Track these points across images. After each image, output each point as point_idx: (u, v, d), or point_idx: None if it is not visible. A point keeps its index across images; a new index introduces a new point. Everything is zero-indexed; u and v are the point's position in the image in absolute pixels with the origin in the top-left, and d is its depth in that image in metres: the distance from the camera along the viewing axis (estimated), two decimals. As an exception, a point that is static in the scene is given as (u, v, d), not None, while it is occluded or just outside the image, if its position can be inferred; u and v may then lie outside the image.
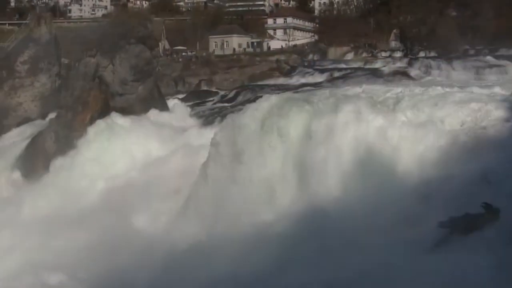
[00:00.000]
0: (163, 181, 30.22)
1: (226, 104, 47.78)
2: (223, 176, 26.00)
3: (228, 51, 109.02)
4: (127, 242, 25.88)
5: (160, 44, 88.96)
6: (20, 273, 24.36)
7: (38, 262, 25.07)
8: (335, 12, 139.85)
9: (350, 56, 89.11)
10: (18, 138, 40.20)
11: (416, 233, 19.00)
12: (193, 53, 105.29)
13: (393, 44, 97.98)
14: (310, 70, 67.41)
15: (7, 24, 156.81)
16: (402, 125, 23.54)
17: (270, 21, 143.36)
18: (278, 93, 32.26)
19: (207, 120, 39.22)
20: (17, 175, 35.84)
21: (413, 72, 57.95)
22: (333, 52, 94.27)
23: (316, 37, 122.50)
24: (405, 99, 25.47)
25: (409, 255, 17.81)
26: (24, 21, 54.25)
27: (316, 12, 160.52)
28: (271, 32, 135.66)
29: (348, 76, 57.85)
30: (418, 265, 16.90)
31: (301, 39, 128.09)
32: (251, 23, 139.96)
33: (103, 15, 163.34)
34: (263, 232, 22.46)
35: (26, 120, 42.90)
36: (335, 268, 18.32)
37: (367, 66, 66.97)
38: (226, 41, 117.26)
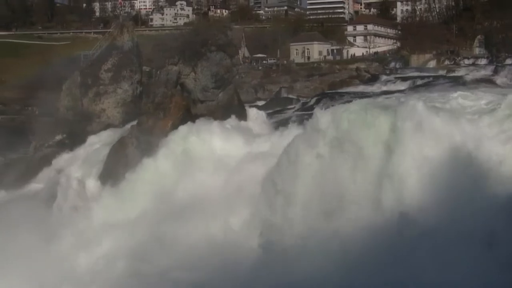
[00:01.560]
0: (241, 187, 30.11)
1: (306, 112, 47.29)
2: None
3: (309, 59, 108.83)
4: (225, 242, 26.14)
5: (240, 51, 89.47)
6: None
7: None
8: (417, 18, 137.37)
9: (432, 63, 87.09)
10: (100, 144, 40.90)
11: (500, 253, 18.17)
12: (274, 60, 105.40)
13: (477, 51, 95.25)
14: (391, 78, 66.17)
15: (92, 33, 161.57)
16: (497, 136, 22.33)
17: (350, 28, 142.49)
18: (359, 100, 31.61)
19: (286, 127, 38.81)
20: (99, 180, 36.54)
21: (500, 80, 55.90)
22: (415, 59, 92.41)
23: (398, 44, 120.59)
24: (501, 108, 24.08)
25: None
26: (108, 30, 55.46)
27: (398, 19, 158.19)
28: (351, 39, 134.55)
29: (430, 84, 56.36)
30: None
31: (383, 46, 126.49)
32: (331, 30, 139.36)
33: (185, 24, 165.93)
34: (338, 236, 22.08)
35: (108, 126, 43.62)
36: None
37: (450, 74, 65.17)
38: (307, 49, 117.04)
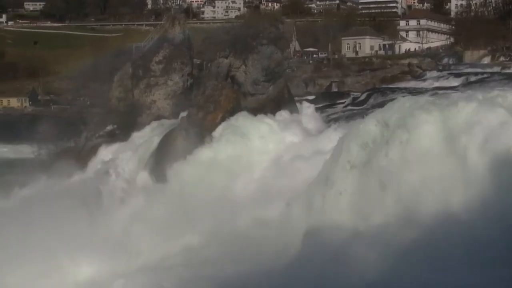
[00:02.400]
0: (290, 181, 29.77)
1: (357, 107, 46.69)
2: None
3: (361, 53, 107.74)
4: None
5: (291, 45, 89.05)
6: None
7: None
8: (472, 13, 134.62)
9: (486, 60, 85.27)
10: (150, 135, 40.99)
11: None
12: (324, 55, 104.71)
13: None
14: (444, 73, 64.97)
15: (144, 25, 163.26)
16: None
17: (402, 23, 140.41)
18: (411, 96, 31.00)
19: (336, 122, 38.34)
20: (148, 172, 36.62)
21: (560, 77, 54.22)
22: (469, 55, 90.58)
23: (452, 39, 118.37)
24: None
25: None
26: (160, 22, 55.59)
27: (452, 13, 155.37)
28: (403, 34, 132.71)
29: (484, 80, 55.09)
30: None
31: (435, 41, 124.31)
32: (383, 25, 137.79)
33: (236, 17, 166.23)
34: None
35: (158, 118, 43.62)
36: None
37: (505, 71, 63.59)
38: (359, 43, 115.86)
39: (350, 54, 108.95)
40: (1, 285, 27.32)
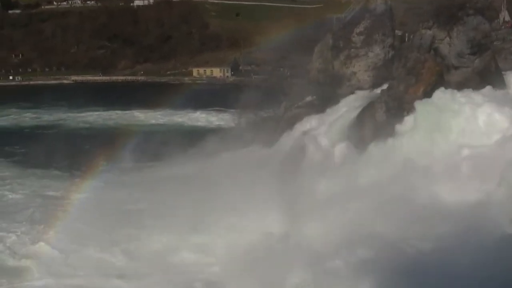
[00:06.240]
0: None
1: None
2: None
3: None
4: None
5: (500, 15, 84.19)
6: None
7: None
8: None
9: None
10: (349, 107, 40.84)
11: None
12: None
13: None
14: None
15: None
16: None
17: None
18: None
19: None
20: (347, 143, 36.57)
21: None
22: None
23: None
24: None
25: None
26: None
27: None
28: None
29: None
30: None
31: None
32: None
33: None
34: None
35: (357, 90, 43.36)
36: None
37: None
38: None
39: None
40: (205, 232, 31.98)
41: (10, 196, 42.98)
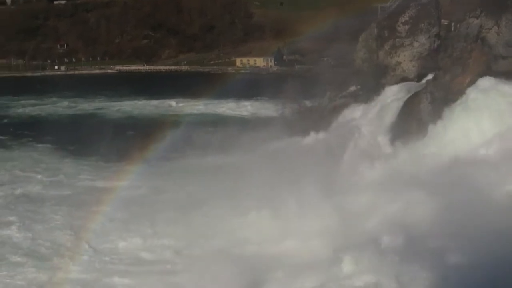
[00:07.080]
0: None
1: None
2: None
3: None
4: None
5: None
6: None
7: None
8: None
9: None
10: (393, 97, 40.53)
11: None
12: None
13: None
14: None
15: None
16: None
17: None
18: None
19: None
20: (392, 134, 36.37)
21: None
22: None
23: None
24: None
25: None
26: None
27: None
28: None
29: None
30: None
31: None
32: None
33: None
34: None
35: (402, 80, 42.94)
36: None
37: None
38: None
39: None
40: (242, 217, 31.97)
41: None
